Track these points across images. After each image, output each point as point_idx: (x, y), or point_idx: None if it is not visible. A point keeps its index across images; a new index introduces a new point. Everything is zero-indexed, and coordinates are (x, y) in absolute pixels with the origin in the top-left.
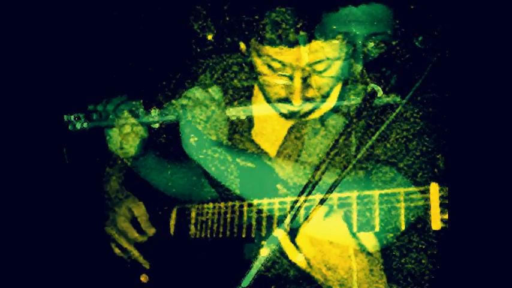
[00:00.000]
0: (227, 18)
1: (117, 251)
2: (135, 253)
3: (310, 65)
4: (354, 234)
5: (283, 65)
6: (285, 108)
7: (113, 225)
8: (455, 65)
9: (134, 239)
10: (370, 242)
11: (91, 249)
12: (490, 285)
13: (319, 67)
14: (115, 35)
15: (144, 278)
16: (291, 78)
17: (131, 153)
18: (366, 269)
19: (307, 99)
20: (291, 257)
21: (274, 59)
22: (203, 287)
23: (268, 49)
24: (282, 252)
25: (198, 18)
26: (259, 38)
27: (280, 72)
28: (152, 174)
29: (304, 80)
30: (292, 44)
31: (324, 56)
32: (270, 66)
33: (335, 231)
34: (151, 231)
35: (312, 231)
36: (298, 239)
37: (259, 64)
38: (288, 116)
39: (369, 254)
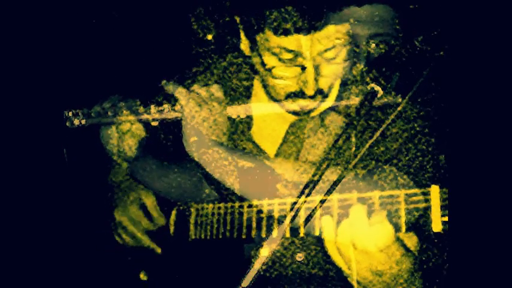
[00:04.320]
0: (230, 17)
1: (126, 238)
2: (146, 240)
3: (320, 53)
4: (398, 237)
5: (295, 55)
6: (294, 105)
7: (123, 212)
8: (456, 65)
9: (145, 226)
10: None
11: (90, 248)
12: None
13: (329, 54)
14: (115, 34)
15: (143, 275)
16: (302, 68)
17: (129, 154)
18: (410, 271)
19: (319, 90)
20: (335, 260)
21: (285, 49)
22: (203, 287)
23: (279, 40)
24: (326, 255)
25: (198, 18)
26: (272, 29)
27: (291, 64)
28: (151, 177)
29: (316, 68)
30: (304, 32)
31: (334, 43)
32: (280, 59)
33: (380, 233)
34: (162, 220)
35: (355, 234)
36: (338, 243)
37: (268, 58)
38: (296, 112)
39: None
